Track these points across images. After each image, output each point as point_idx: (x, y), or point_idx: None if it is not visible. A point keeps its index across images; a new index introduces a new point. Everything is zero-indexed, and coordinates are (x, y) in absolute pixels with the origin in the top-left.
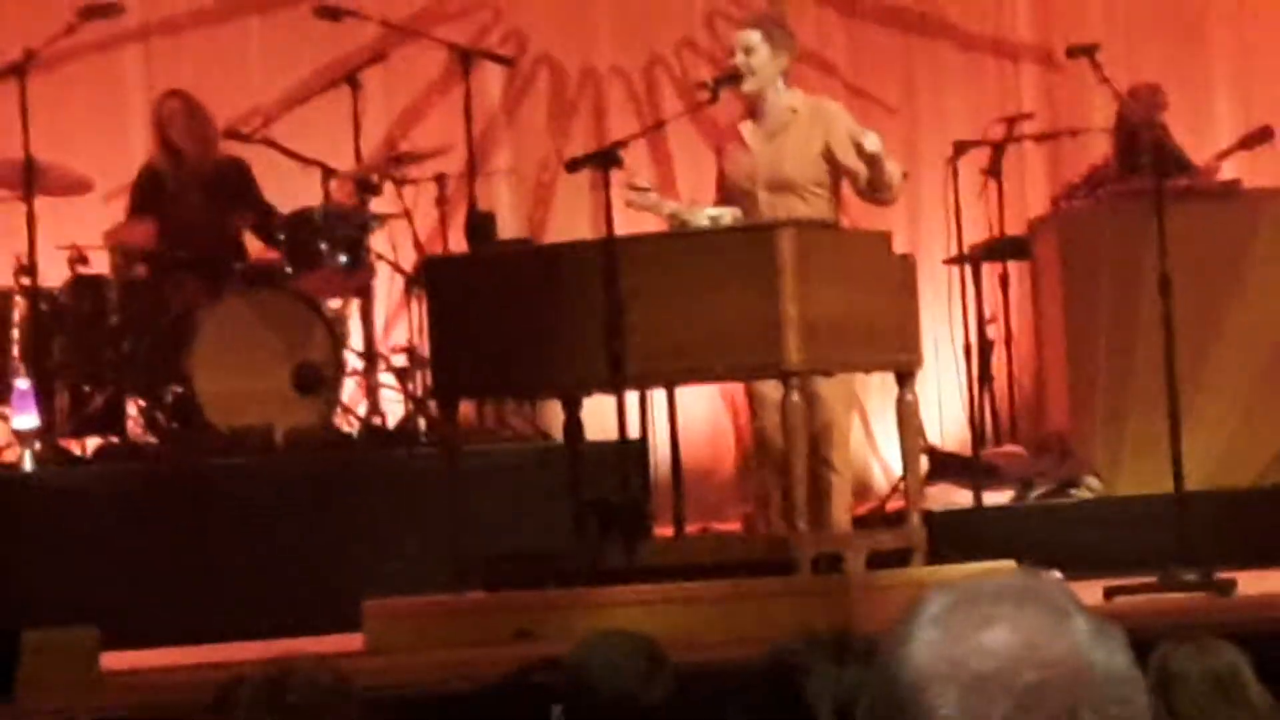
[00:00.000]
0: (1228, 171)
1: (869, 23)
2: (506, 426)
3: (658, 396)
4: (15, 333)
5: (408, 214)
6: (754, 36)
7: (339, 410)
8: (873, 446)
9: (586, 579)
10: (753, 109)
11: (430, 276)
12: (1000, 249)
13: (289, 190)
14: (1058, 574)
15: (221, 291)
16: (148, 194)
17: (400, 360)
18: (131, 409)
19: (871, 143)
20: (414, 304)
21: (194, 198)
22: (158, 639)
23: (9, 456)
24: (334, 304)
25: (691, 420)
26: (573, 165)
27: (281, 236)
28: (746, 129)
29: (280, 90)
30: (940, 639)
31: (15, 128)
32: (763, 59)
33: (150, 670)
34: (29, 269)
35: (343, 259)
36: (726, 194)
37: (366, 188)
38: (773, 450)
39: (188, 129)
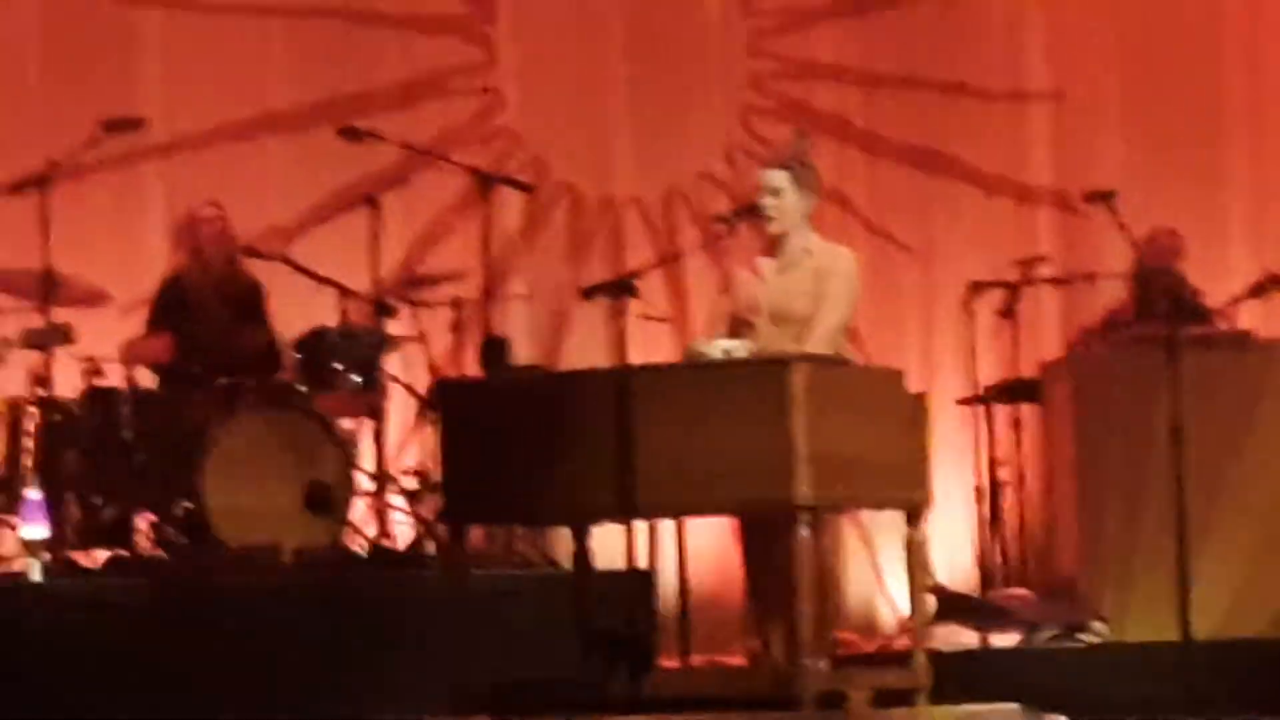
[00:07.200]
0: (1244, 319)
1: (890, 162)
2: (515, 553)
3: (666, 527)
4: (28, 443)
5: (423, 337)
6: (781, 178)
7: (348, 530)
8: (880, 584)
9: (591, 708)
10: (773, 246)
11: (443, 400)
12: (1013, 391)
13: (305, 310)
14: (1062, 718)
15: (235, 408)
16: (170, 303)
17: (411, 483)
18: (141, 523)
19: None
20: (426, 427)
21: (213, 311)
22: None
23: (17, 566)
24: (347, 424)
25: (699, 551)
26: (589, 293)
27: (289, 359)
28: (764, 263)
29: (300, 210)
30: None
31: (36, 238)
32: (790, 201)
33: None
34: (44, 380)
35: (357, 380)
36: (731, 323)
37: (383, 309)
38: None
39: (219, 240)
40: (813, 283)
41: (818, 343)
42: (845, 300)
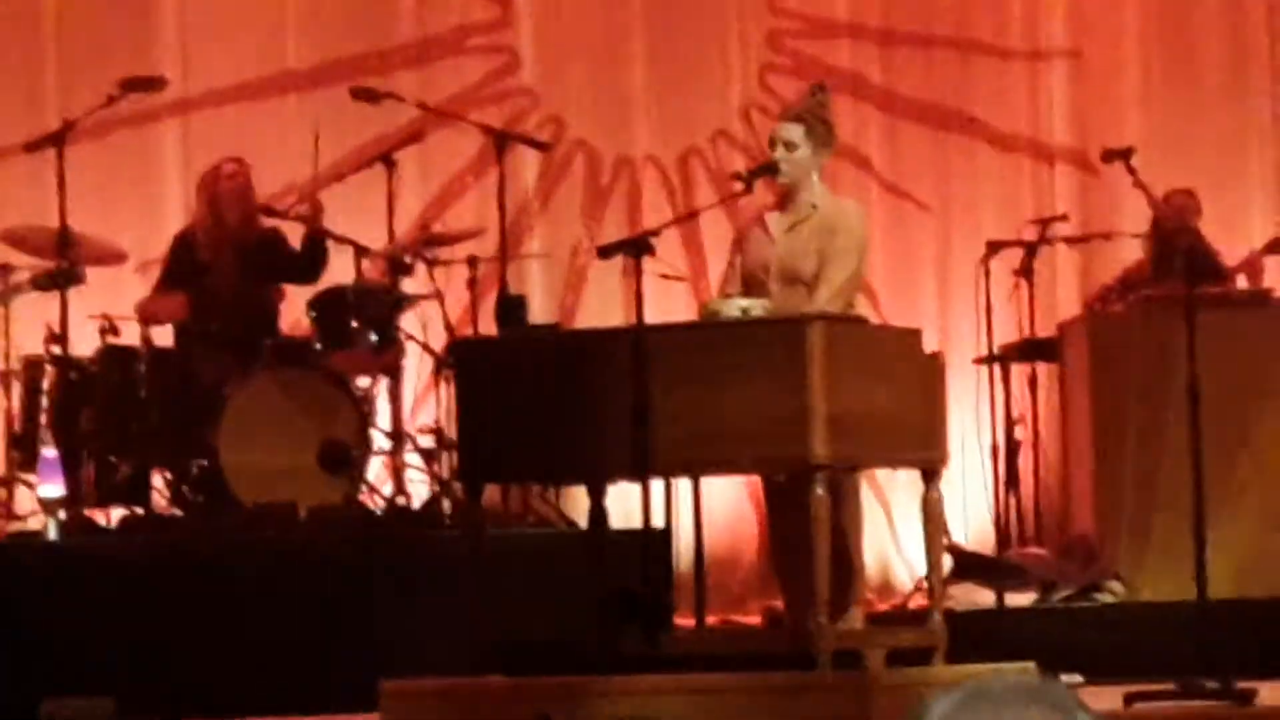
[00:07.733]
0: (1265, 275)
1: (906, 120)
2: (531, 511)
3: (682, 486)
4: (44, 401)
5: (439, 295)
6: (796, 131)
7: (364, 489)
8: (896, 544)
9: (606, 667)
10: (782, 200)
11: (459, 358)
12: (1030, 350)
13: None
14: (1078, 678)
15: (251, 367)
16: (181, 260)
17: (427, 441)
18: (157, 481)
19: (822, 284)
20: (443, 385)
21: (228, 269)
22: (175, 711)
23: (34, 524)
24: (363, 382)
25: (715, 510)
26: (605, 252)
27: (314, 309)
28: (773, 218)
29: (316, 169)
30: None
31: (52, 197)
32: (803, 155)
33: None
34: (60, 338)
35: (373, 338)
36: (743, 281)
37: (399, 268)
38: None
39: (239, 197)
40: (819, 241)
41: (828, 301)
42: (852, 255)
